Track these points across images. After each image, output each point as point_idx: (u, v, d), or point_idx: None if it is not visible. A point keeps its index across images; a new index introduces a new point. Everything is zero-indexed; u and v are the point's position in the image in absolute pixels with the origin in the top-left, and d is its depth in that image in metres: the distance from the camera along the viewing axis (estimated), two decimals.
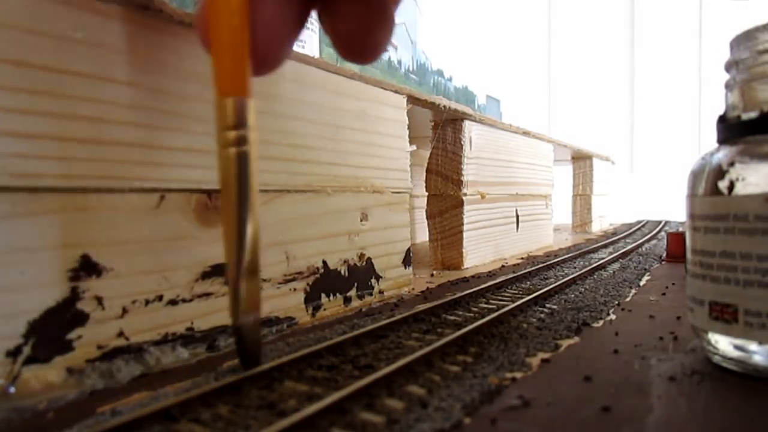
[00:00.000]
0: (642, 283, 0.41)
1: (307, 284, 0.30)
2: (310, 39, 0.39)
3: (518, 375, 0.20)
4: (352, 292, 0.34)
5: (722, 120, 0.22)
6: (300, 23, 0.20)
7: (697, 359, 0.22)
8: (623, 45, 1.69)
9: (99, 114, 0.20)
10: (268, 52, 0.19)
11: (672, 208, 1.01)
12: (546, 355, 0.23)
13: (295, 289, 0.29)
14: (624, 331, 0.27)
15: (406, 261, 0.39)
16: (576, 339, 0.25)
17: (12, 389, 0.17)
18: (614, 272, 0.45)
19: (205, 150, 0.24)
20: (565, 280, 0.38)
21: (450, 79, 1.15)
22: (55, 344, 0.19)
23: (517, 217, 0.64)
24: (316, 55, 0.35)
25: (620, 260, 0.53)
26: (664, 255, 0.56)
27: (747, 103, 0.21)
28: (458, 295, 0.33)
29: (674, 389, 0.19)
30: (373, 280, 0.36)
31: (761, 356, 0.19)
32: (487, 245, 0.56)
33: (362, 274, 0.35)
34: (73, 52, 0.19)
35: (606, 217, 1.08)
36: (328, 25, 0.20)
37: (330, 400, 0.16)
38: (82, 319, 0.20)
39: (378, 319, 0.28)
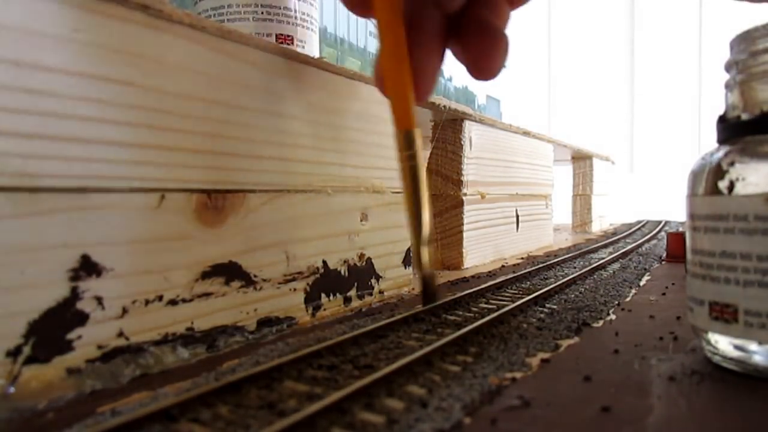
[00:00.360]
0: (642, 283, 0.41)
1: (307, 284, 0.30)
2: (310, 39, 0.39)
3: (518, 375, 0.20)
4: (352, 292, 0.34)
5: (722, 120, 0.22)
6: (441, 60, 0.26)
7: (697, 359, 0.22)
8: (623, 45, 1.69)
9: (99, 114, 0.20)
10: (425, 91, 0.26)
11: (672, 208, 1.01)
12: (546, 355, 0.23)
13: (295, 289, 0.29)
14: (624, 331, 0.27)
15: (406, 261, 0.39)
16: (576, 339, 0.25)
17: (12, 389, 0.17)
18: (614, 272, 0.45)
19: (205, 150, 0.24)
20: (565, 280, 0.38)
21: (450, 79, 1.14)
22: (55, 344, 0.19)
23: (517, 217, 0.64)
24: (316, 55, 0.35)
25: (620, 260, 0.53)
26: (664, 255, 0.56)
27: (747, 103, 0.21)
28: (458, 295, 0.33)
29: (674, 389, 0.19)
30: (373, 280, 0.36)
31: (761, 356, 0.19)
32: (487, 245, 0.56)
33: (362, 274, 0.35)
34: (73, 51, 0.19)
35: (606, 217, 1.08)
36: (460, 55, 0.26)
37: (330, 400, 0.16)
38: (82, 319, 0.20)
39: (378, 319, 0.28)
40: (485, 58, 0.25)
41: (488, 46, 0.25)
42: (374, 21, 0.25)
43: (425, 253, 0.26)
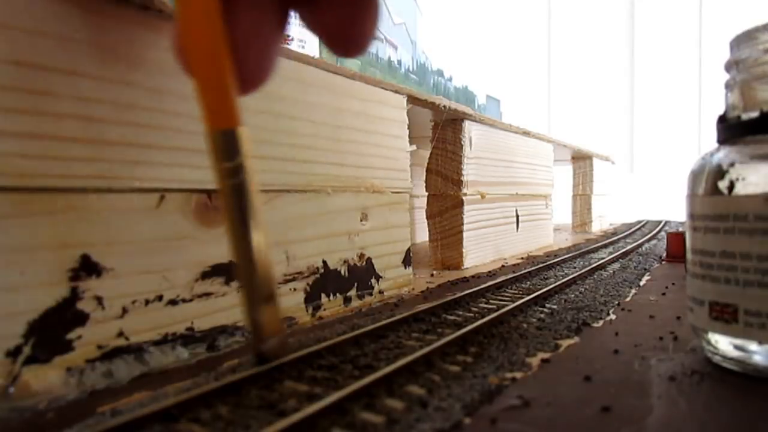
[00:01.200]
0: (642, 283, 0.41)
1: (307, 284, 0.30)
2: (310, 39, 0.39)
3: (518, 375, 0.20)
4: (352, 292, 0.34)
5: (722, 120, 0.22)
6: (280, 28, 0.19)
7: (697, 359, 0.22)
8: (623, 45, 1.69)
9: (99, 114, 0.20)
10: (254, 69, 0.18)
11: (672, 208, 1.01)
12: (546, 355, 0.23)
13: (295, 289, 0.29)
14: (624, 331, 0.27)
15: (406, 261, 0.39)
16: (576, 339, 0.25)
17: (12, 389, 0.17)
18: (614, 272, 0.45)
19: (204, 150, 0.24)
20: (565, 280, 0.38)
21: (450, 79, 1.15)
22: (55, 344, 0.19)
23: (517, 217, 0.64)
24: (316, 55, 0.35)
25: (620, 260, 0.53)
26: (664, 255, 0.56)
27: (747, 103, 0.21)
28: (458, 295, 0.33)
29: (674, 389, 0.19)
30: (373, 280, 0.36)
31: (761, 356, 0.19)
32: (487, 245, 0.56)
33: (362, 274, 0.35)
34: (74, 52, 0.19)
35: (606, 217, 1.08)
36: (311, 20, 0.19)
37: (330, 400, 0.16)
38: (82, 319, 0.20)
39: (378, 319, 0.28)
40: (349, 24, 0.18)
41: (352, 3, 0.18)
42: None
43: (263, 315, 0.18)
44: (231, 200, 0.18)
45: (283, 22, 0.19)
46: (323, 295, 0.31)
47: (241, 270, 0.18)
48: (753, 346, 0.19)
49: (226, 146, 0.18)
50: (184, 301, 0.23)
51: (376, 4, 0.19)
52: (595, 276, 0.43)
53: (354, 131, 0.34)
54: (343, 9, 0.18)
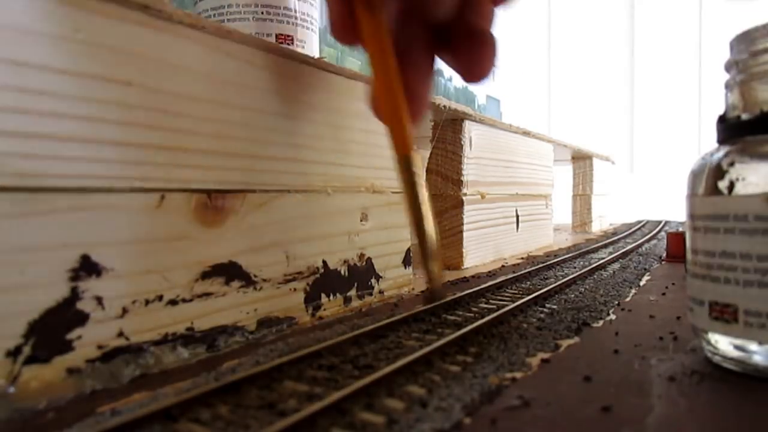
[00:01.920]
0: (642, 283, 0.41)
1: (307, 284, 0.30)
2: (310, 39, 0.39)
3: (518, 375, 0.20)
4: (352, 292, 0.34)
5: (722, 120, 0.22)
6: (432, 75, 0.26)
7: (697, 359, 0.22)
8: (623, 45, 1.69)
9: (99, 114, 0.20)
10: (420, 112, 0.26)
11: (672, 208, 1.01)
12: (546, 355, 0.23)
13: (295, 289, 0.29)
14: (624, 331, 0.27)
15: (406, 261, 0.39)
16: (576, 339, 0.25)
17: (12, 389, 0.17)
18: (614, 272, 0.45)
19: (205, 150, 0.24)
20: (565, 280, 0.38)
21: (450, 79, 1.15)
22: (55, 344, 0.19)
23: (517, 217, 0.64)
24: (316, 55, 0.35)
25: (620, 260, 0.53)
26: (664, 255, 0.56)
27: (747, 103, 0.21)
28: (458, 295, 0.33)
29: (674, 389, 0.19)
30: (373, 280, 0.36)
31: (761, 356, 0.19)
32: (487, 245, 0.56)
33: (362, 274, 0.35)
34: (73, 52, 0.19)
35: (606, 217, 1.08)
36: (450, 62, 0.26)
37: (330, 400, 0.16)
38: (82, 319, 0.20)
39: (378, 319, 0.28)
40: (476, 61, 0.25)
41: (477, 49, 0.25)
42: (364, 49, 0.25)
43: (434, 267, 0.26)
44: (411, 195, 0.25)
45: (433, 68, 0.26)
46: (323, 295, 0.31)
47: (420, 239, 0.25)
48: (753, 346, 0.19)
49: (406, 164, 0.25)
50: (184, 301, 0.23)
51: (494, 45, 0.25)
52: (595, 276, 0.43)
53: (354, 131, 0.34)
54: (473, 53, 0.25)
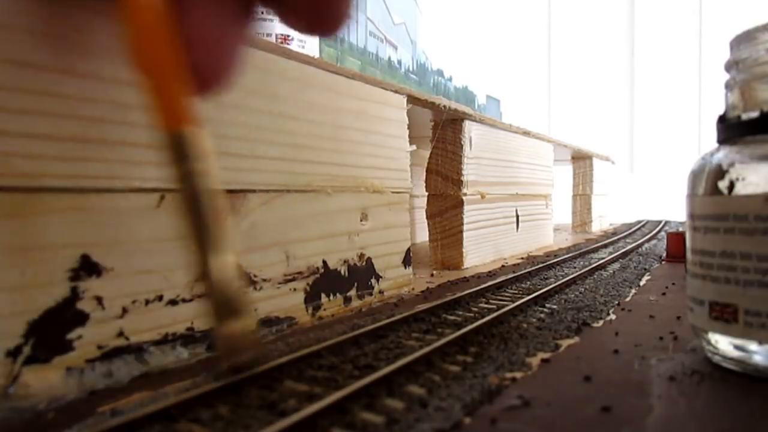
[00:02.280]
0: (642, 283, 0.41)
1: (307, 284, 0.30)
2: (310, 39, 0.39)
3: (518, 375, 0.20)
4: (352, 292, 0.34)
5: (722, 120, 0.22)
6: (240, 24, 0.18)
7: (697, 359, 0.22)
8: (623, 45, 1.69)
9: (99, 114, 0.20)
10: (211, 68, 0.17)
11: (672, 208, 1.01)
12: (546, 355, 0.23)
13: (295, 289, 0.29)
14: (624, 331, 0.27)
15: (406, 261, 0.39)
16: (576, 339, 0.25)
17: (12, 389, 0.17)
18: (614, 272, 0.45)
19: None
20: (565, 280, 0.38)
21: (450, 79, 1.15)
22: (55, 344, 0.19)
23: (517, 217, 0.64)
24: (316, 55, 0.35)
25: (620, 260, 0.53)
26: (664, 255, 0.56)
27: (747, 103, 0.21)
28: (458, 294, 0.33)
29: (674, 389, 0.19)
30: (373, 280, 0.36)
31: (761, 356, 0.19)
32: (487, 245, 0.56)
33: (362, 274, 0.35)
34: (73, 51, 0.19)
35: (606, 217, 1.08)
36: (282, 11, 0.18)
37: (330, 400, 0.16)
38: (82, 319, 0.20)
39: (378, 318, 0.28)
40: (324, 4, 0.18)
41: None
42: None
43: (230, 329, 0.17)
44: (187, 201, 0.17)
45: (244, 18, 0.18)
46: (323, 295, 0.31)
47: (201, 285, 0.17)
48: (753, 346, 0.19)
49: (178, 149, 0.17)
50: (184, 301, 0.23)
51: None
52: (595, 276, 0.43)
53: (354, 131, 0.34)
54: None
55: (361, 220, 0.34)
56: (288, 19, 0.18)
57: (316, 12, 0.18)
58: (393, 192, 0.37)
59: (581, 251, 0.59)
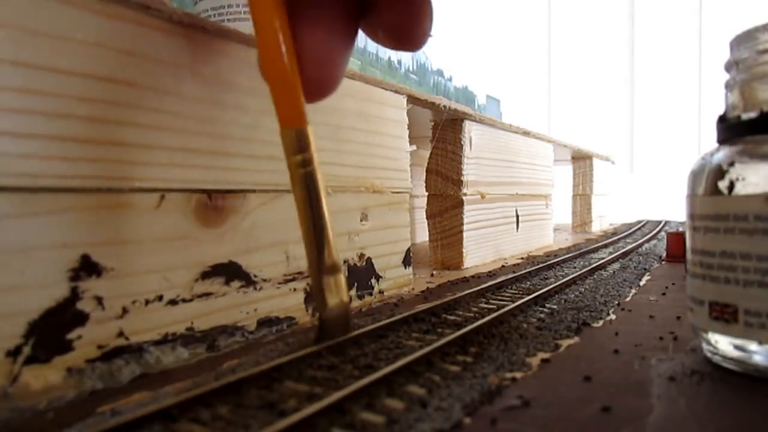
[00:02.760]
0: (642, 283, 0.41)
1: (307, 284, 0.30)
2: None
3: (518, 375, 0.20)
4: (352, 292, 0.34)
5: (722, 120, 0.22)
6: (349, 42, 0.21)
7: (697, 359, 0.22)
8: (623, 45, 1.69)
9: (99, 114, 0.20)
10: (320, 79, 0.21)
11: (672, 208, 1.01)
12: (546, 355, 0.23)
13: (295, 289, 0.29)
14: (624, 331, 0.27)
15: (406, 261, 0.39)
16: (576, 339, 0.25)
17: (12, 389, 0.17)
18: (614, 272, 0.45)
19: (204, 150, 0.24)
20: (565, 280, 0.38)
21: (450, 79, 1.15)
22: (55, 344, 0.19)
23: (517, 217, 0.64)
24: None
25: (620, 260, 0.53)
26: (664, 255, 0.56)
27: (747, 103, 0.21)
28: (458, 295, 0.33)
29: (674, 389, 0.19)
30: (373, 280, 0.36)
31: (761, 356, 0.19)
32: (487, 245, 0.56)
33: (362, 274, 0.35)
34: (73, 52, 0.19)
35: (606, 217, 1.08)
36: (375, 26, 0.22)
37: (330, 400, 0.16)
38: (82, 319, 0.20)
39: (378, 319, 0.28)
40: (408, 21, 0.21)
41: (407, 7, 0.21)
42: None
43: (330, 285, 0.22)
44: (301, 187, 0.21)
45: (351, 37, 0.22)
46: None
47: (310, 247, 0.21)
48: (753, 346, 0.19)
49: (297, 142, 0.21)
50: (184, 301, 0.23)
51: (429, 4, 0.21)
52: (595, 276, 0.43)
53: (354, 131, 0.34)
54: (403, 12, 0.21)
55: (361, 220, 0.34)
56: (379, 39, 0.22)
57: (403, 32, 0.21)
58: (393, 192, 0.37)
59: (581, 251, 0.59)
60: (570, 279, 0.39)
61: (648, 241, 0.73)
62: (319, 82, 0.21)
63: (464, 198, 0.50)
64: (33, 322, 0.18)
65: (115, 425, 0.15)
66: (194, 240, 0.24)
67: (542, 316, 0.29)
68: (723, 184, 0.20)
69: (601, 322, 0.29)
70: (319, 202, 0.21)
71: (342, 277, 0.22)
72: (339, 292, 0.22)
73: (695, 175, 0.21)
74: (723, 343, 0.20)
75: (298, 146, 0.21)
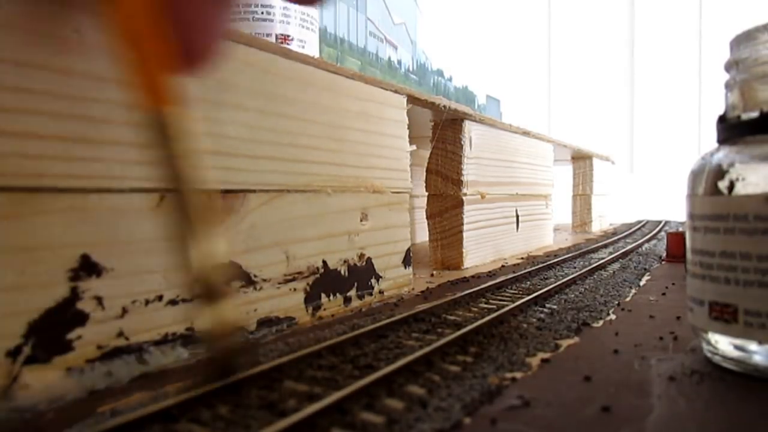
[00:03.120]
0: (642, 283, 0.41)
1: (307, 284, 0.30)
2: (310, 39, 0.39)
3: (518, 375, 0.20)
4: (352, 292, 0.34)
5: (722, 120, 0.22)
6: (227, 2, 0.18)
7: (697, 359, 0.22)
8: (623, 45, 1.69)
9: (99, 114, 0.20)
10: (197, 46, 0.17)
11: (672, 208, 1.01)
12: (546, 355, 0.23)
13: (295, 289, 0.29)
14: (624, 331, 0.27)
15: (406, 261, 0.39)
16: (576, 339, 0.25)
17: (12, 389, 0.17)
18: (614, 272, 0.45)
19: (205, 150, 0.24)
20: (565, 280, 0.38)
21: (450, 79, 1.15)
22: (55, 344, 0.19)
23: (517, 217, 0.64)
24: (316, 55, 0.35)
25: (620, 260, 0.53)
26: (664, 255, 0.56)
27: (747, 103, 0.21)
28: (458, 295, 0.33)
29: (674, 389, 0.19)
30: (373, 280, 0.36)
31: (761, 356, 0.19)
32: (487, 245, 0.56)
33: (362, 274, 0.35)
34: (73, 52, 0.19)
35: (606, 217, 1.08)
36: None
37: (330, 400, 0.16)
38: (82, 319, 0.20)
39: (378, 319, 0.28)
40: None
41: None
42: None
43: (211, 316, 0.17)
44: (171, 191, 0.17)
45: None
46: (323, 295, 0.31)
47: (180, 264, 0.17)
48: (753, 346, 0.19)
49: (160, 131, 0.16)
50: (184, 301, 0.23)
51: None
52: (595, 276, 0.43)
53: (354, 131, 0.34)
54: None
55: (361, 220, 0.34)
56: None
57: None
58: (393, 192, 0.37)
59: (581, 251, 0.59)
60: (570, 279, 0.39)
61: (648, 241, 0.73)
62: (197, 49, 0.17)
63: (464, 198, 0.50)
64: (33, 322, 0.18)
65: (115, 425, 0.15)
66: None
67: (542, 316, 0.29)
68: (723, 184, 0.20)
69: (601, 322, 0.29)
70: (183, 209, 0.16)
71: (223, 311, 0.17)
72: (222, 327, 0.17)
73: (695, 175, 0.21)
74: (723, 343, 0.20)
75: (160, 136, 0.16)
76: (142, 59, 0.16)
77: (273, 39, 0.36)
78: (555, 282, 0.38)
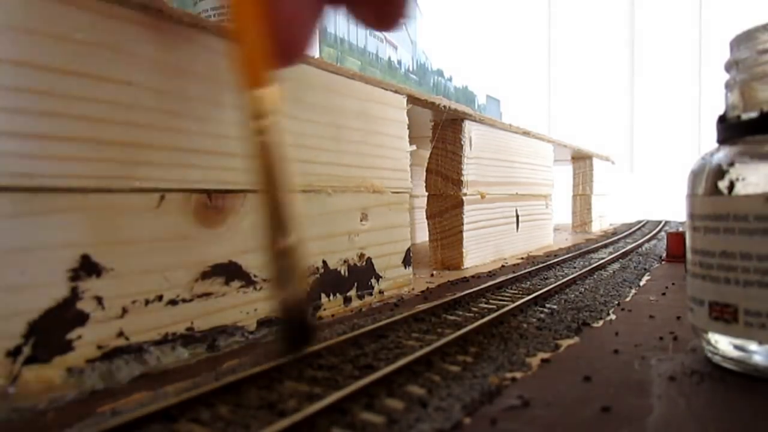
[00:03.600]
0: (642, 283, 0.41)
1: (307, 284, 0.30)
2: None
3: (518, 375, 0.20)
4: (352, 292, 0.34)
5: (722, 120, 0.22)
6: (320, 11, 0.21)
7: (697, 359, 0.22)
8: (623, 45, 1.69)
9: (99, 114, 0.20)
10: (293, 43, 0.20)
11: (672, 208, 1.00)
12: (546, 355, 0.23)
13: None
14: (624, 331, 0.27)
15: (406, 261, 0.39)
16: (576, 339, 0.25)
17: (12, 389, 0.17)
18: (614, 272, 0.45)
19: (204, 150, 0.24)
20: (565, 280, 0.38)
21: (450, 79, 1.15)
22: (55, 344, 0.19)
23: (517, 217, 0.64)
24: (316, 55, 0.35)
25: (620, 260, 0.53)
26: (664, 255, 0.56)
27: (747, 103, 0.21)
28: (458, 295, 0.33)
29: (674, 389, 0.19)
30: (373, 280, 0.36)
31: (761, 356, 0.19)
32: (487, 245, 0.56)
33: (362, 274, 0.35)
34: (73, 52, 0.19)
35: (606, 217, 1.08)
36: (352, 4, 0.21)
37: (330, 400, 0.16)
38: (82, 319, 0.20)
39: (378, 319, 0.28)
40: (384, 2, 0.21)
41: None
42: None
43: (284, 264, 0.19)
44: (260, 155, 0.19)
45: (320, 6, 0.21)
46: (323, 295, 0.31)
47: (265, 224, 0.19)
48: (753, 346, 0.19)
49: (256, 106, 0.19)
50: (184, 301, 0.23)
51: None
52: (595, 276, 0.43)
53: (354, 131, 0.34)
54: None
55: (361, 220, 0.34)
56: (355, 16, 0.22)
57: (379, 11, 0.21)
58: (393, 192, 0.37)
59: (581, 251, 0.59)
60: (570, 279, 0.39)
61: (648, 241, 0.73)
62: (289, 45, 0.20)
63: (464, 198, 0.50)
64: (33, 322, 0.18)
65: (115, 425, 0.15)
66: (194, 240, 0.24)
67: (542, 316, 0.29)
68: (723, 184, 0.20)
69: (601, 322, 0.29)
70: (275, 174, 0.19)
71: (301, 264, 0.19)
72: (294, 281, 0.19)
73: (695, 175, 0.21)
74: (723, 343, 0.20)
75: (256, 111, 0.19)
76: (241, 46, 0.19)
77: None
78: (555, 282, 0.38)
